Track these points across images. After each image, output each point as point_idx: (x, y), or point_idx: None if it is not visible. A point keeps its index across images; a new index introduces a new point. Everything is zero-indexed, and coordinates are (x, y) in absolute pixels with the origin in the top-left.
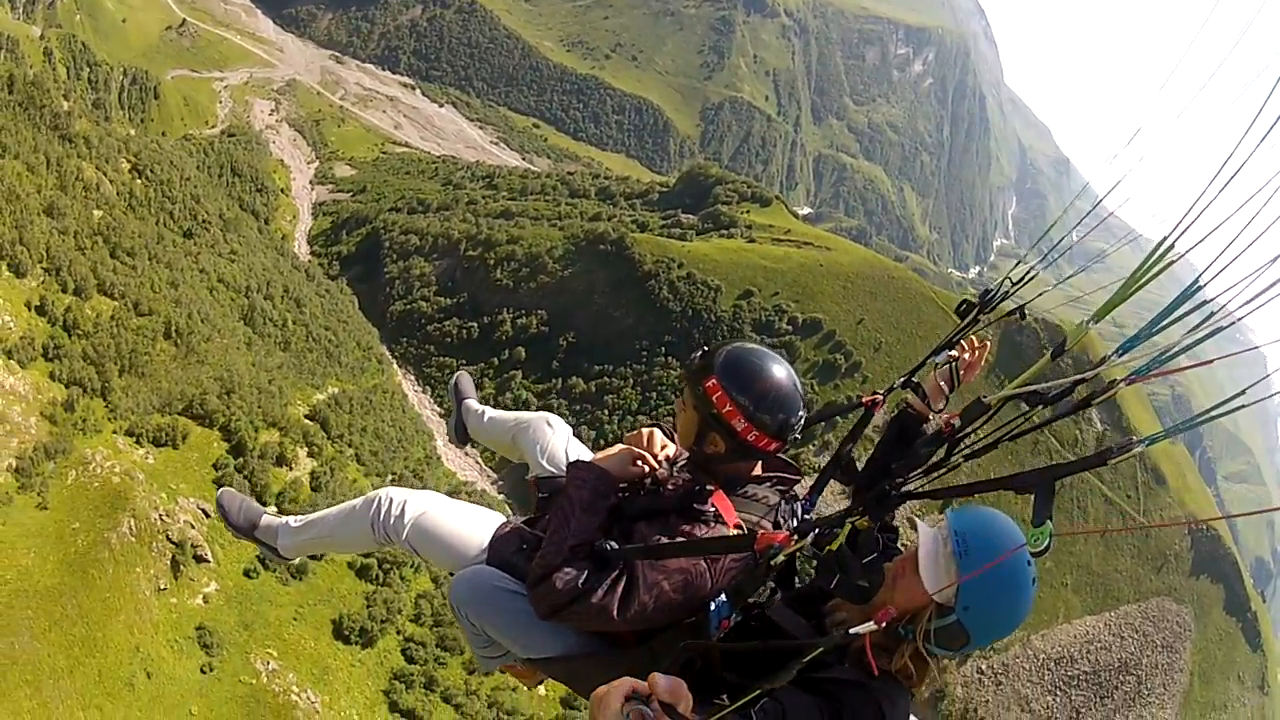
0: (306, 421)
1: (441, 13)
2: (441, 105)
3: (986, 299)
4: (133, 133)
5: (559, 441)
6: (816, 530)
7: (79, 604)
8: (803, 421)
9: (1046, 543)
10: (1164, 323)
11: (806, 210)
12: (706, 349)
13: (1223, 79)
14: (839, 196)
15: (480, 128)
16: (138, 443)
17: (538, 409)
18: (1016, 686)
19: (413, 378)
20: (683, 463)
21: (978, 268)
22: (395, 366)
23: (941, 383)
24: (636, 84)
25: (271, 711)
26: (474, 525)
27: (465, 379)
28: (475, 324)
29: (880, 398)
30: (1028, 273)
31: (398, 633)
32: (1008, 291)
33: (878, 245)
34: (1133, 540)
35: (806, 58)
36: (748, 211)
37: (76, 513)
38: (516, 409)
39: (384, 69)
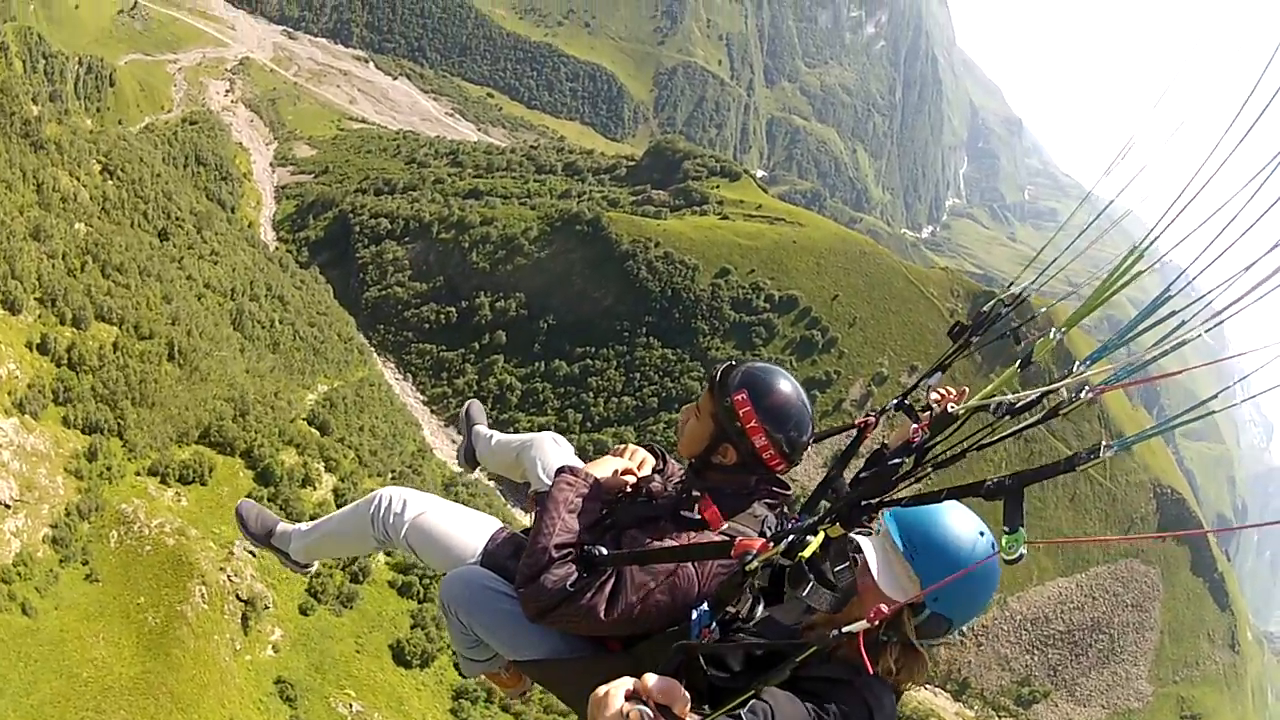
0: (314, 431)
1: None
2: (395, 78)
3: (980, 321)
4: (91, 124)
5: (559, 458)
6: (791, 538)
7: (169, 689)
8: (809, 445)
9: (1020, 551)
10: (1132, 333)
11: (761, 173)
12: (732, 363)
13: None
14: (792, 159)
15: (435, 99)
16: (163, 482)
17: (522, 392)
18: (996, 647)
19: (393, 365)
20: (678, 475)
21: (931, 227)
22: (375, 355)
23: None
24: (590, 50)
25: None
26: (472, 528)
27: (477, 407)
28: (453, 308)
29: (873, 420)
30: (1020, 294)
31: (447, 646)
32: (999, 314)
33: (832, 207)
34: (1100, 504)
35: (759, 20)
36: (717, 187)
37: (134, 583)
38: (500, 391)
39: (336, 42)
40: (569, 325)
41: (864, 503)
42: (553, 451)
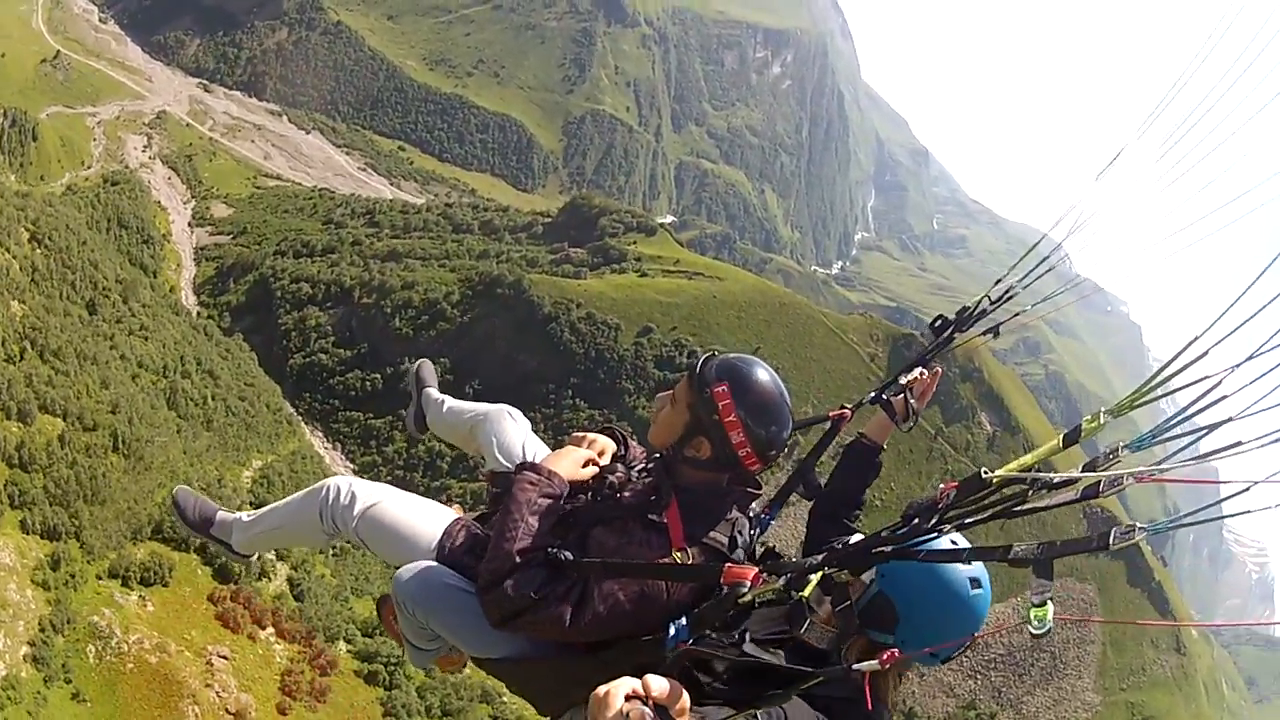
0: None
1: (307, 35)
2: (308, 131)
3: (964, 315)
4: (15, 181)
5: (516, 436)
6: (790, 575)
7: None
8: (786, 445)
9: (1048, 625)
10: (1170, 430)
11: (670, 219)
12: (715, 353)
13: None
14: (701, 203)
15: (347, 153)
16: (125, 584)
17: (452, 458)
18: (939, 675)
19: (321, 434)
20: (645, 464)
21: (840, 263)
22: (303, 425)
23: (896, 411)
24: (499, 101)
25: None
26: (425, 520)
27: (427, 366)
28: (378, 374)
29: (848, 412)
30: (1006, 292)
31: None
32: (985, 310)
33: (742, 250)
34: (1029, 526)
35: (666, 65)
36: (635, 243)
37: (124, 704)
38: (430, 459)
39: (250, 95)
40: (495, 389)
41: (875, 551)
42: (511, 430)
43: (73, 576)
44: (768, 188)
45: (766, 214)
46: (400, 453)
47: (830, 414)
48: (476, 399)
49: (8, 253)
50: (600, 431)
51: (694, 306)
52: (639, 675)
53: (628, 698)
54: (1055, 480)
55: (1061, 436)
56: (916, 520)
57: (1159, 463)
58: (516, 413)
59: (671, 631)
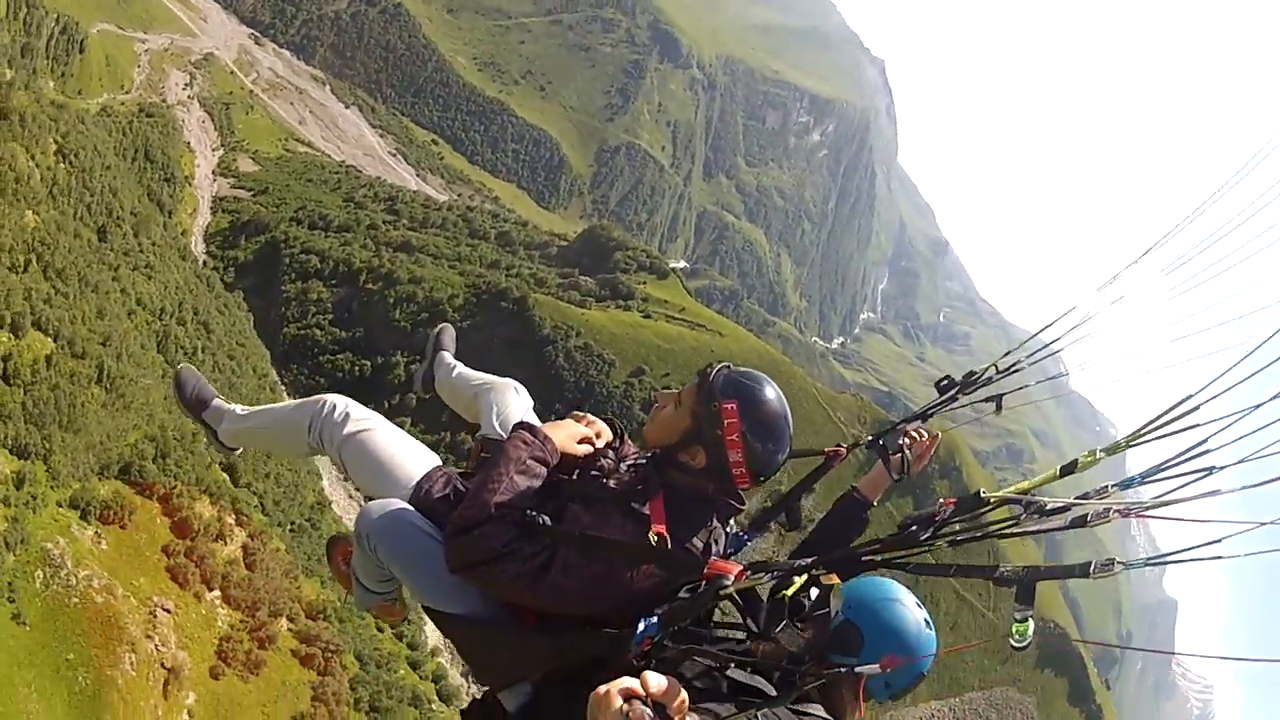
0: (225, 478)
1: (366, 10)
2: (348, 106)
3: (969, 380)
4: (53, 89)
5: (518, 409)
6: (774, 574)
7: None
8: (778, 470)
9: (1028, 640)
10: (1161, 473)
11: (681, 264)
12: (729, 366)
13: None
14: (716, 254)
15: (381, 135)
16: (84, 518)
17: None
18: None
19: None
20: (638, 458)
21: (841, 339)
22: (285, 395)
23: (890, 469)
24: (539, 115)
25: None
26: (409, 459)
27: (449, 332)
28: (369, 362)
29: (844, 451)
30: (1014, 364)
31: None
32: (991, 377)
33: (747, 308)
34: (981, 632)
35: (709, 112)
36: (645, 283)
37: (64, 637)
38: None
39: (299, 58)
40: None
41: (865, 559)
42: (513, 402)
43: (34, 498)
44: (784, 252)
45: (778, 277)
46: None
47: (826, 450)
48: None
49: (32, 160)
50: (601, 420)
51: (690, 356)
52: (622, 671)
53: (627, 697)
54: (1048, 506)
55: (1059, 468)
56: (913, 528)
57: (1146, 506)
58: (522, 389)
59: (641, 627)
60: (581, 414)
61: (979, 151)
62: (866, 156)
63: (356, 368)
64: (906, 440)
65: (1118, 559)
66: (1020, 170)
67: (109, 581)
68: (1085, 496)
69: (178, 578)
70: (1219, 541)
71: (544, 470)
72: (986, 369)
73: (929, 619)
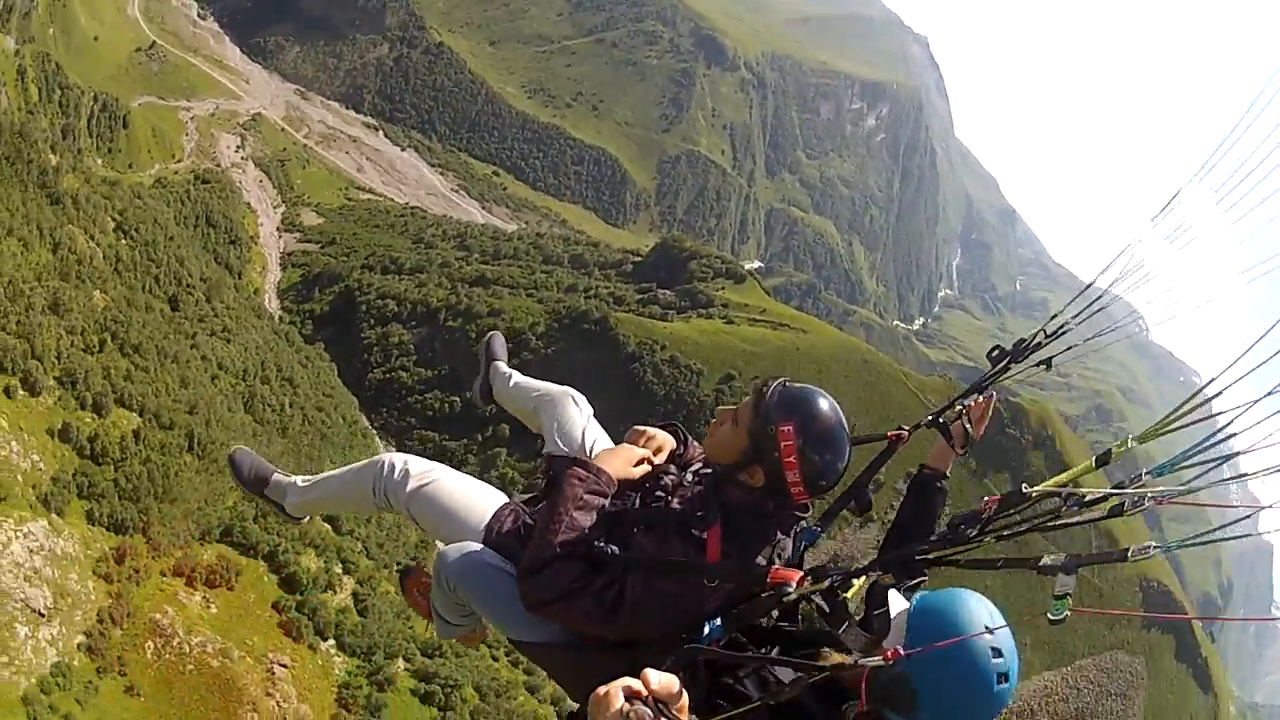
0: (328, 527)
1: (408, 53)
2: (403, 149)
3: (1020, 347)
4: (102, 166)
5: (578, 421)
6: (834, 579)
7: None
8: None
9: (1064, 613)
10: (1190, 458)
11: (757, 264)
12: (785, 384)
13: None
14: (789, 250)
15: (441, 174)
16: (190, 585)
17: (524, 486)
18: None
19: (394, 450)
20: (701, 469)
21: (922, 319)
22: (378, 439)
23: (954, 437)
24: (595, 134)
25: None
26: (476, 500)
27: (498, 339)
28: (457, 398)
29: (905, 433)
30: (1061, 326)
31: None
32: (1041, 342)
33: (826, 300)
34: (1087, 600)
35: (763, 111)
36: (723, 289)
37: (181, 704)
38: (503, 487)
39: (348, 107)
40: None
41: (919, 558)
42: (573, 415)
43: (136, 571)
44: (855, 239)
45: (853, 266)
46: (473, 473)
47: (890, 435)
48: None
49: (92, 241)
50: (663, 427)
51: (777, 357)
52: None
53: (628, 697)
54: (1087, 497)
55: (1094, 458)
56: (962, 526)
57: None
58: (581, 398)
59: (706, 630)
60: (640, 429)
61: (1033, 114)
62: (923, 135)
63: (445, 405)
64: (962, 409)
65: (1154, 543)
66: (1078, 129)
67: (224, 645)
68: (1121, 486)
69: (291, 632)
70: (1247, 517)
71: (603, 502)
72: (1035, 334)
73: (1007, 671)
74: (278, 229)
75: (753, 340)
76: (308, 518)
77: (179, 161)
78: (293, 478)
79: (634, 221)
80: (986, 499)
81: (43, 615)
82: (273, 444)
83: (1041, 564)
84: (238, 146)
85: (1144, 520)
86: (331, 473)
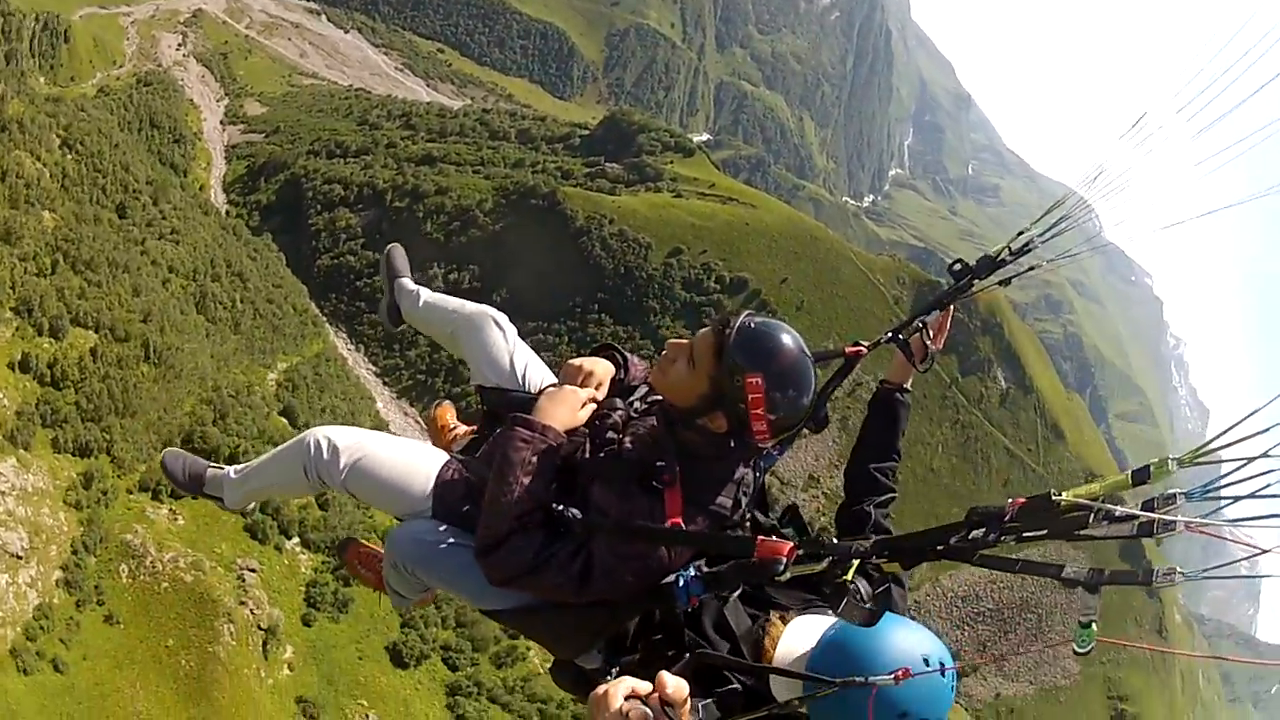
0: (285, 422)
1: None
2: (347, 31)
3: (984, 263)
4: (45, 82)
5: (504, 347)
6: (833, 559)
7: None
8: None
9: (1091, 645)
10: (1223, 484)
11: (706, 137)
12: (748, 322)
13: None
14: (738, 124)
15: (385, 54)
16: (156, 498)
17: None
18: (926, 621)
19: (345, 336)
20: (648, 395)
21: (872, 197)
22: (328, 326)
23: (914, 352)
24: (543, 8)
25: None
26: (414, 465)
27: (398, 253)
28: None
29: (864, 349)
30: (1027, 243)
31: (433, 643)
32: (1005, 259)
33: (775, 174)
34: (1033, 489)
35: None
36: (671, 163)
37: (158, 624)
38: (452, 364)
39: None
40: (523, 300)
41: (927, 549)
42: (496, 341)
43: (104, 494)
44: (806, 115)
45: (803, 141)
46: (423, 357)
47: (846, 350)
48: (503, 309)
49: (39, 161)
50: (598, 351)
51: (726, 232)
52: (653, 640)
53: (627, 697)
54: (1118, 513)
55: (1130, 474)
56: (982, 529)
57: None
58: (502, 318)
59: (680, 583)
60: (577, 364)
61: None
62: (879, 15)
63: None
64: (920, 325)
65: (1179, 569)
66: (1037, 17)
67: (194, 557)
68: (1151, 504)
69: (256, 534)
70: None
71: (553, 462)
72: (1000, 250)
73: (931, 654)
74: (221, 122)
75: (701, 214)
76: (252, 506)
77: (120, 68)
78: (225, 470)
79: (581, 94)
80: (1011, 501)
81: (20, 557)
82: (227, 342)
83: (1065, 575)
84: (179, 45)
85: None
86: (261, 461)
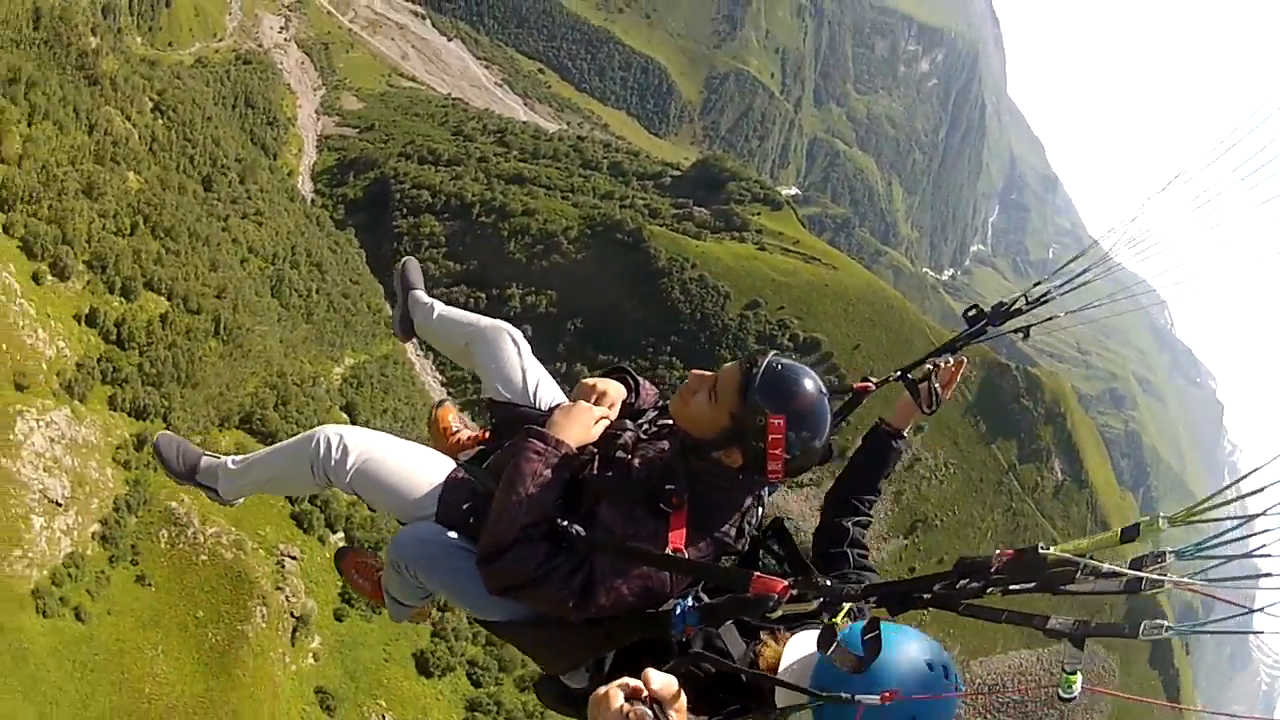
0: (343, 415)
1: None
2: (450, 39)
3: (999, 310)
4: (141, 44)
5: (516, 362)
6: (824, 600)
7: (231, 707)
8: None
9: (1075, 694)
10: (1216, 544)
11: (795, 191)
12: (775, 363)
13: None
14: (828, 181)
15: (486, 67)
16: None
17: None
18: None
19: (415, 341)
20: (658, 418)
21: (952, 270)
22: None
23: (921, 396)
24: (646, 42)
25: None
26: (422, 470)
27: (413, 265)
28: (483, 294)
29: (872, 385)
30: (1044, 294)
31: (460, 655)
32: (1021, 308)
33: (859, 236)
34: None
35: (817, 40)
36: (759, 214)
37: (190, 594)
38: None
39: None
40: (596, 331)
41: (914, 596)
42: (509, 356)
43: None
44: (895, 180)
45: (889, 206)
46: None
47: (855, 386)
48: (575, 337)
49: (129, 121)
50: (611, 372)
51: (805, 290)
52: (639, 665)
53: (627, 697)
54: (1104, 569)
55: (1119, 531)
56: (968, 579)
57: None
58: (516, 333)
59: (677, 610)
60: (590, 384)
61: (1088, 85)
62: (976, 87)
63: (471, 300)
64: (932, 368)
65: (1167, 623)
66: (1132, 105)
67: (238, 535)
68: (1141, 562)
69: (303, 523)
70: (1260, 610)
71: (563, 476)
72: (1015, 299)
73: (935, 661)
74: (316, 112)
75: (783, 270)
76: (242, 499)
77: (220, 41)
78: (222, 459)
79: (675, 133)
80: (999, 551)
81: (59, 504)
82: (298, 329)
83: (1049, 626)
84: (281, 27)
85: None
86: (264, 453)
